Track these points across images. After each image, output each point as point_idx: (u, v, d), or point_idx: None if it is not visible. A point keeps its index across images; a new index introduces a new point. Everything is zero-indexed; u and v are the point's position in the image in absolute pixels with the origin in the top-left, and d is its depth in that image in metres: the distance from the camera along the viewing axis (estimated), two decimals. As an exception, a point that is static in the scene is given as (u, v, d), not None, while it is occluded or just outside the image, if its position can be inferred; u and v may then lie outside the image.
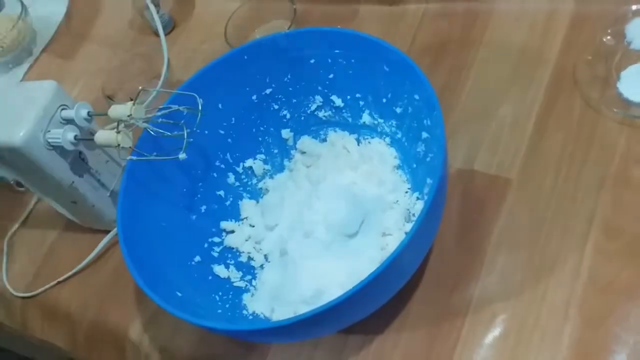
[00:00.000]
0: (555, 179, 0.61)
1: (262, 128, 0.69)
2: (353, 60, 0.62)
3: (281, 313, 0.60)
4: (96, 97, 0.87)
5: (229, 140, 0.68)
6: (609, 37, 0.65)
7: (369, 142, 0.67)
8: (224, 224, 0.67)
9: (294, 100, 0.68)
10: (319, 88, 0.67)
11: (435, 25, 0.76)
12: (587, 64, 0.65)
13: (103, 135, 0.59)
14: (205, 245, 0.65)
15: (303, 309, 0.58)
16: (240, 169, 0.69)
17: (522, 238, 0.59)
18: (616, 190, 0.58)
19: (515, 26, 0.71)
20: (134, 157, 0.58)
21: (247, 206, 0.68)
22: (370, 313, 0.54)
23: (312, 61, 0.64)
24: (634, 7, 0.65)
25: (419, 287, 0.60)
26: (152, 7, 0.85)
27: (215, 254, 0.65)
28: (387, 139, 0.66)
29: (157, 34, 0.87)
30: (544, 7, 0.71)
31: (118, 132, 0.57)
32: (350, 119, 0.68)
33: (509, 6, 0.73)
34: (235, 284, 0.64)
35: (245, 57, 0.64)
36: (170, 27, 0.91)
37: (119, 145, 0.57)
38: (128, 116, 0.56)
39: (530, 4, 0.71)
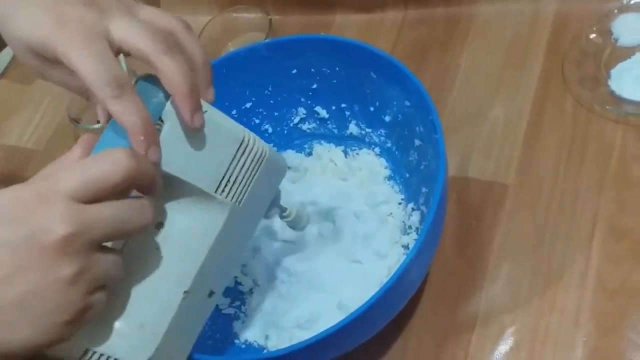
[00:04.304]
0: (554, 182, 0.59)
1: (243, 144, 0.65)
2: (337, 69, 0.60)
3: (277, 340, 0.56)
4: (61, 120, 0.83)
5: (209, 158, 0.64)
6: (594, 35, 0.64)
7: (357, 154, 0.65)
8: (208, 248, 0.63)
9: (276, 114, 0.65)
10: (302, 99, 0.64)
11: (416, 31, 0.74)
12: (575, 63, 0.63)
13: None
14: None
15: (299, 334, 0.55)
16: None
17: (525, 244, 0.57)
18: (617, 190, 0.57)
19: (498, 28, 0.70)
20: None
21: (231, 228, 0.65)
22: (372, 335, 0.51)
23: (294, 71, 0.61)
24: (618, 4, 0.64)
25: (420, 304, 0.57)
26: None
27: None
28: (377, 149, 0.63)
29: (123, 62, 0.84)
30: (526, 8, 0.70)
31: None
32: (336, 131, 0.65)
33: (490, 9, 0.71)
34: (224, 312, 0.60)
35: (224, 70, 0.61)
36: (136, 45, 0.87)
37: None
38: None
39: (511, 5, 0.70)
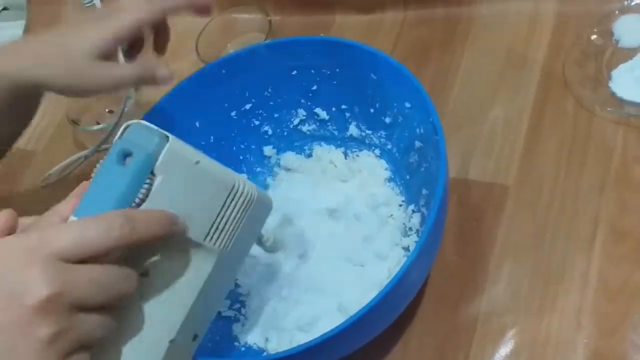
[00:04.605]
0: (555, 183, 0.59)
1: (242, 145, 0.65)
2: (338, 70, 0.60)
3: (277, 343, 0.56)
4: (60, 121, 0.82)
5: (208, 160, 0.64)
6: (595, 36, 0.64)
7: (357, 155, 0.64)
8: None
9: (276, 115, 0.65)
10: (302, 101, 0.64)
11: (416, 32, 0.74)
12: (576, 63, 0.63)
13: None
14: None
15: (300, 337, 0.55)
16: (221, 190, 0.65)
17: (526, 246, 0.56)
18: (618, 191, 0.57)
19: (499, 29, 0.70)
20: None
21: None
22: (372, 338, 0.51)
23: (294, 73, 0.61)
24: (619, 5, 0.63)
25: (421, 306, 0.57)
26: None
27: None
28: (377, 151, 0.63)
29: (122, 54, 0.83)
30: (527, 9, 0.69)
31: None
32: (336, 132, 0.65)
33: (490, 9, 0.71)
34: (223, 314, 0.59)
35: (223, 71, 0.60)
36: (135, 46, 0.87)
37: None
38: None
39: (512, 6, 0.70)
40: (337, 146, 0.65)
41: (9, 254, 0.32)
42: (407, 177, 0.60)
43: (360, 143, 0.64)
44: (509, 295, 0.55)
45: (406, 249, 0.57)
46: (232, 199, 0.41)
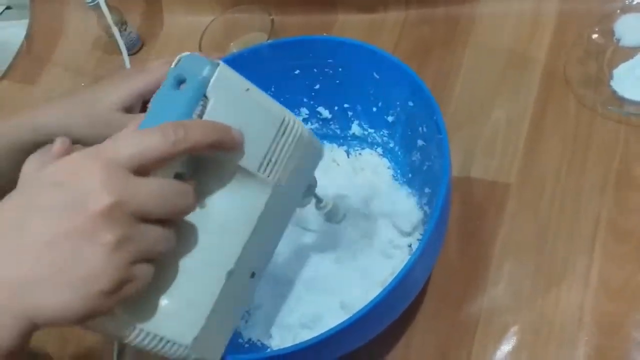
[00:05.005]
0: (556, 181, 0.59)
1: (246, 144, 0.65)
2: (340, 69, 0.60)
3: (280, 339, 0.56)
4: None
5: (212, 159, 0.64)
6: (597, 35, 0.64)
7: (360, 154, 0.65)
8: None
9: (279, 114, 0.65)
10: (305, 100, 0.64)
11: (418, 31, 0.74)
12: (578, 62, 0.63)
13: None
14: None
15: (303, 334, 0.55)
16: (224, 189, 0.65)
17: (528, 244, 0.57)
18: (620, 190, 0.57)
19: (500, 28, 0.70)
20: None
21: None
22: (375, 335, 0.51)
23: (297, 72, 0.61)
24: (620, 4, 0.64)
25: (423, 304, 0.57)
26: (114, 28, 0.81)
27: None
28: (379, 149, 0.63)
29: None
30: (528, 8, 0.70)
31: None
32: (338, 131, 0.65)
33: (491, 8, 0.71)
34: (226, 312, 0.60)
35: (226, 70, 0.60)
36: (138, 45, 0.87)
37: None
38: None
39: (513, 5, 0.70)
40: (340, 145, 0.66)
41: (72, 166, 0.33)
42: (410, 175, 0.61)
43: (363, 142, 0.64)
44: (510, 293, 0.55)
45: (409, 247, 0.57)
46: (284, 133, 0.41)
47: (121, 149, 0.33)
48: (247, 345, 0.57)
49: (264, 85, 0.62)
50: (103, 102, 0.53)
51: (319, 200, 0.51)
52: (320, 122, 0.65)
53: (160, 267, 0.36)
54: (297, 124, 0.43)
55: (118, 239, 0.32)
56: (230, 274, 0.40)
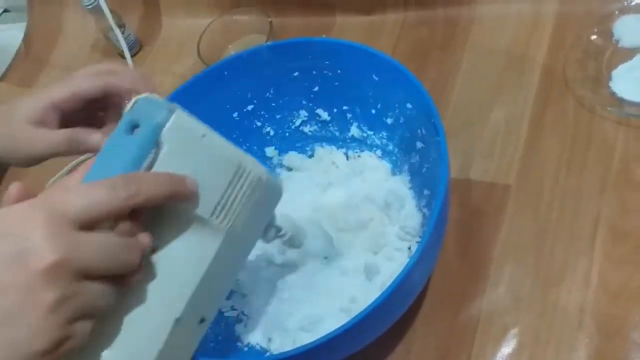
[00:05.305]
0: (555, 183, 0.59)
1: (244, 147, 0.65)
2: (339, 71, 0.60)
3: (279, 343, 0.56)
4: (62, 124, 0.82)
5: (210, 161, 0.64)
6: (595, 37, 0.64)
7: (359, 156, 0.65)
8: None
9: (278, 116, 0.65)
10: (304, 102, 0.64)
11: (417, 33, 0.74)
12: (577, 63, 0.63)
13: None
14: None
15: (303, 337, 0.55)
16: (223, 192, 0.65)
17: (527, 246, 0.57)
18: (619, 192, 0.57)
19: (499, 29, 0.70)
20: None
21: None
22: (375, 338, 0.51)
23: (296, 74, 0.61)
24: (619, 5, 0.64)
25: (423, 306, 0.57)
26: (116, 29, 0.81)
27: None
28: (378, 152, 0.63)
29: (123, 56, 0.84)
30: (527, 9, 0.70)
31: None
32: (337, 133, 0.65)
33: (490, 10, 0.71)
34: (226, 314, 0.60)
35: (225, 72, 0.61)
36: (136, 48, 0.87)
37: None
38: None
39: (512, 6, 0.70)
40: (339, 147, 0.65)
41: (18, 218, 0.32)
42: (409, 177, 0.61)
43: (362, 144, 0.64)
44: (510, 295, 0.55)
45: (409, 249, 0.57)
46: (239, 178, 0.41)
47: (69, 202, 0.32)
48: (246, 349, 0.57)
49: (262, 87, 0.63)
50: (16, 115, 0.49)
51: (277, 229, 0.51)
52: (319, 125, 0.65)
53: (103, 318, 0.35)
54: (254, 167, 0.42)
55: (58, 298, 0.31)
56: (177, 321, 0.39)
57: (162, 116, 0.37)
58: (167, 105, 0.37)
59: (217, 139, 0.40)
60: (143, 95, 0.38)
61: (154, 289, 0.38)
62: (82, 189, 0.33)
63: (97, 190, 0.33)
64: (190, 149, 0.38)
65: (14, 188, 0.36)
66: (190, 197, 0.37)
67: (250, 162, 0.42)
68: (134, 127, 0.37)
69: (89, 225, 0.33)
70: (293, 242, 0.53)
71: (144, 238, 0.36)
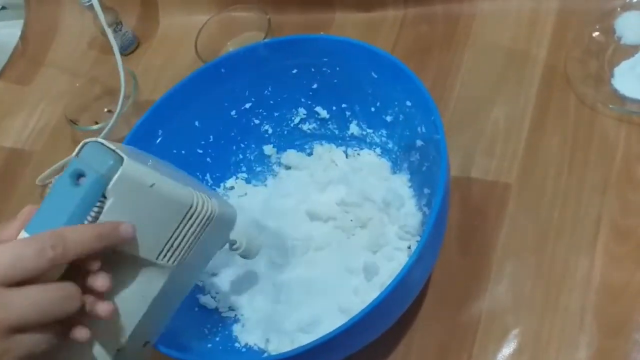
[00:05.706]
0: (557, 181, 0.58)
1: (242, 145, 0.65)
2: (338, 69, 0.59)
3: (277, 344, 0.55)
4: (58, 121, 0.82)
5: (208, 159, 0.64)
6: (597, 33, 0.63)
7: (358, 154, 0.64)
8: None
9: (276, 114, 0.64)
10: (302, 99, 0.63)
11: (417, 29, 0.73)
12: (578, 61, 0.63)
13: None
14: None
15: (301, 338, 0.54)
16: (221, 190, 0.65)
17: (529, 244, 0.56)
18: (621, 190, 0.56)
19: (500, 26, 0.69)
20: None
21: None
22: (375, 338, 0.50)
23: (294, 71, 0.61)
24: (621, 2, 0.63)
25: (423, 305, 0.56)
26: (106, 27, 0.80)
27: (200, 283, 0.60)
28: (378, 150, 0.63)
29: (121, 53, 0.83)
30: (528, 6, 0.69)
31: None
32: (336, 131, 0.64)
33: (491, 6, 0.71)
34: (223, 315, 0.59)
35: (223, 70, 0.60)
36: (134, 45, 0.87)
37: None
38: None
39: (513, 3, 0.70)
40: (338, 145, 0.65)
41: None
42: (409, 176, 0.60)
43: (361, 142, 0.64)
44: (511, 294, 0.54)
45: (409, 249, 0.57)
46: (190, 218, 0.41)
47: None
48: (244, 350, 0.56)
49: (261, 85, 0.62)
50: None
51: (232, 242, 0.50)
52: (319, 122, 0.64)
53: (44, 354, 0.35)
54: (207, 205, 0.42)
55: None
56: (120, 351, 0.39)
57: (108, 168, 0.36)
58: (115, 155, 0.37)
59: (167, 186, 0.39)
60: (91, 140, 0.37)
61: (98, 323, 0.38)
62: (10, 246, 0.33)
63: (25, 248, 0.33)
64: (138, 199, 0.38)
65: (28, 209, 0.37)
66: (127, 242, 0.37)
67: (201, 200, 0.41)
68: (79, 175, 0.36)
69: (19, 282, 0.32)
70: (248, 254, 0.52)
71: (101, 281, 0.36)
